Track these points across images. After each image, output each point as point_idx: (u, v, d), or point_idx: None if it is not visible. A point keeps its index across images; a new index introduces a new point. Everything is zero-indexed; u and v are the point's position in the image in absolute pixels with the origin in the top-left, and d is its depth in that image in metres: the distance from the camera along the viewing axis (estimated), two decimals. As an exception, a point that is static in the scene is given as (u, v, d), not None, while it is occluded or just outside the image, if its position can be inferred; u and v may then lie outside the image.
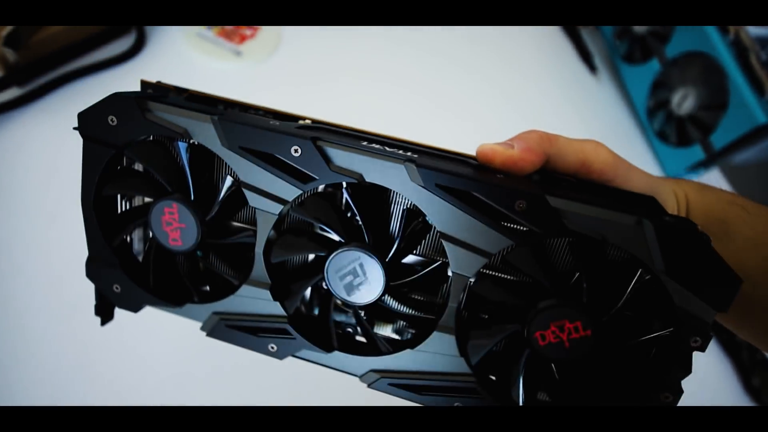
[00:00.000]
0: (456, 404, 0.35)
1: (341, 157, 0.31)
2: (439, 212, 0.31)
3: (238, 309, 0.36)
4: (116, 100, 0.33)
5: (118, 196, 0.39)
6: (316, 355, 0.37)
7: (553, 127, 0.35)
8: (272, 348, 0.37)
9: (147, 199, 0.39)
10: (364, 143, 0.32)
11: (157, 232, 0.35)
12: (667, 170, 0.92)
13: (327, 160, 0.31)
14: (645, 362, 0.32)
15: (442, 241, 0.31)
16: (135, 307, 0.39)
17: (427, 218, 0.31)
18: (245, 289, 0.36)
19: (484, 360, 0.34)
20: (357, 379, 0.36)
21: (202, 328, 0.38)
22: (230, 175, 0.35)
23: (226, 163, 0.35)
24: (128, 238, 0.40)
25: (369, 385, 0.36)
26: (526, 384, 0.33)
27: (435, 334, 0.33)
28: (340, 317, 0.39)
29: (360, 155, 0.31)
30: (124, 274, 0.38)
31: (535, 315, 0.31)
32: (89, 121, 0.34)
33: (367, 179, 0.31)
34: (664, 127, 0.95)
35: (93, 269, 0.38)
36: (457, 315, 0.33)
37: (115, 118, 0.33)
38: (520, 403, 0.34)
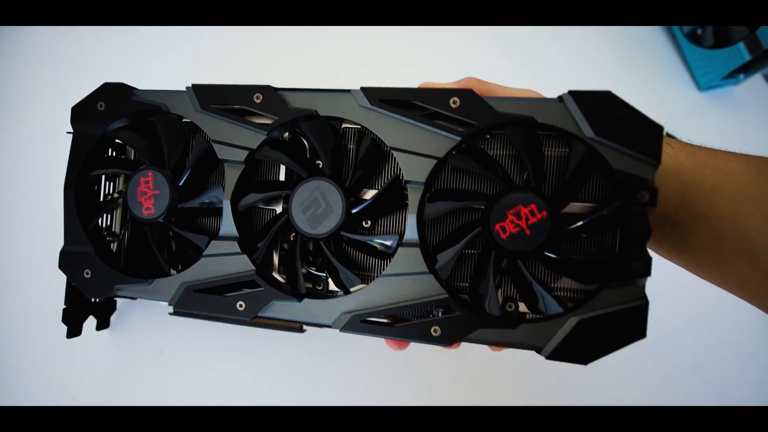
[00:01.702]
0: (433, 330, 0.32)
1: (297, 98, 0.36)
2: (386, 129, 0.34)
3: (206, 273, 0.36)
4: (107, 88, 0.39)
5: (97, 186, 0.42)
6: (285, 309, 0.35)
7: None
8: (240, 306, 0.36)
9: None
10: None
11: (132, 205, 0.38)
12: (700, 80, 0.70)
13: (285, 102, 0.36)
14: (605, 234, 0.32)
15: (393, 153, 0.34)
16: (104, 291, 0.38)
17: (375, 137, 0.34)
18: (213, 246, 0.36)
19: (454, 274, 0.34)
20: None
21: (170, 302, 0.37)
22: (198, 139, 0.38)
23: (197, 134, 0.39)
24: (103, 224, 0.42)
25: (342, 329, 0.34)
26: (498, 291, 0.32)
27: (400, 251, 0.33)
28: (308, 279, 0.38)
29: (313, 94, 0.35)
30: (96, 257, 0.38)
31: (491, 208, 0.32)
32: (80, 112, 0.39)
33: (321, 113, 0.35)
34: (696, 26, 0.72)
35: (65, 258, 0.39)
36: (419, 224, 0.33)
37: (103, 104, 0.38)
38: (497, 314, 0.32)
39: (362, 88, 0.34)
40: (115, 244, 0.42)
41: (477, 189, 0.35)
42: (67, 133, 0.42)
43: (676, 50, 0.70)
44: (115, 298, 0.51)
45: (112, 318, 0.51)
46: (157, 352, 0.51)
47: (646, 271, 0.30)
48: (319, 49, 0.61)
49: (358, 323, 0.34)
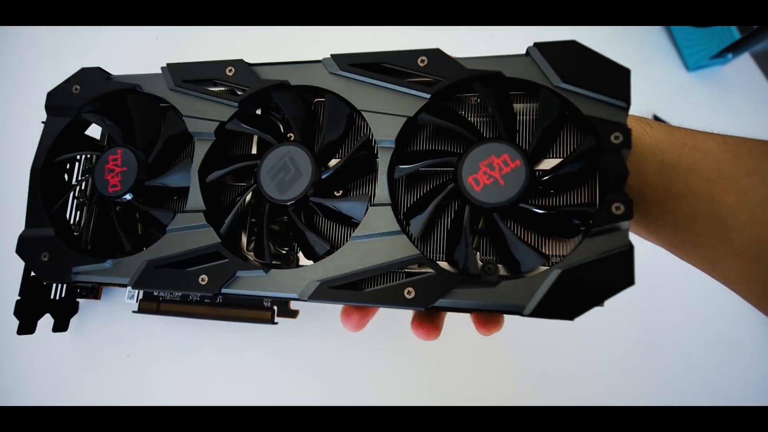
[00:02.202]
0: (406, 291, 0.30)
1: (268, 71, 0.36)
2: (356, 92, 0.34)
3: (169, 249, 0.35)
4: (84, 72, 0.39)
5: (66, 173, 0.41)
6: (251, 282, 0.33)
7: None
8: (203, 280, 0.33)
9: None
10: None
11: (98, 182, 0.37)
12: (688, 60, 0.69)
13: (257, 74, 0.36)
14: (582, 181, 0.31)
15: (363, 114, 0.33)
16: (62, 275, 0.36)
17: (346, 101, 0.34)
18: (178, 219, 0.35)
19: (426, 233, 0.32)
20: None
21: (130, 283, 0.35)
22: (170, 115, 0.38)
23: (168, 111, 0.39)
24: (70, 213, 0.41)
25: (309, 298, 0.31)
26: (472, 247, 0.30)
27: (371, 211, 0.32)
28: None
29: (285, 66, 0.36)
30: (56, 239, 0.36)
31: (463, 160, 0.31)
32: (56, 97, 0.39)
33: (293, 82, 0.35)
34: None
35: (24, 243, 0.37)
36: (390, 184, 0.32)
37: (78, 87, 0.39)
38: (475, 272, 0.30)
39: (332, 55, 0.35)
40: (79, 228, 0.40)
41: (450, 150, 0.34)
42: (42, 123, 0.42)
43: (664, 30, 0.69)
44: (77, 299, 0.48)
45: (74, 321, 0.48)
46: (123, 356, 0.47)
47: (628, 214, 0.28)
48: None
49: (326, 290, 0.31)
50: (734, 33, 0.64)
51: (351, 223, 0.35)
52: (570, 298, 0.28)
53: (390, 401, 0.46)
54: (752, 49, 0.67)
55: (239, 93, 0.36)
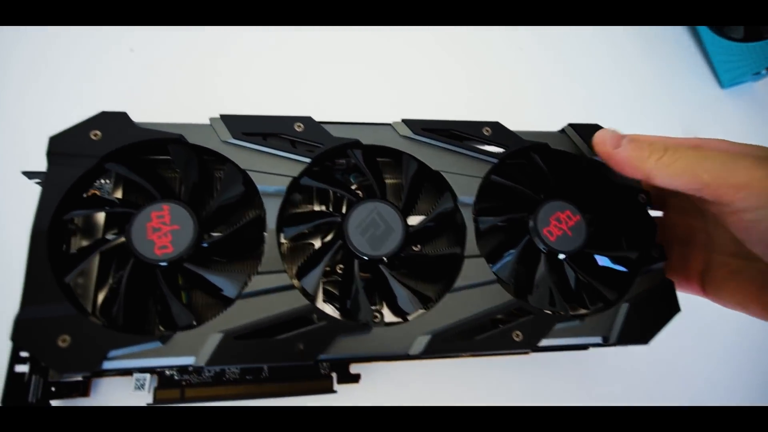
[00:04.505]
0: (515, 335, 0.32)
1: (336, 129, 0.36)
2: (429, 154, 0.36)
3: (246, 316, 0.30)
4: (105, 116, 0.33)
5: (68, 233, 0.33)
6: (352, 344, 0.31)
7: None
8: (300, 348, 0.30)
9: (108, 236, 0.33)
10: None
11: (139, 244, 0.31)
12: (722, 77, 0.66)
13: (327, 132, 0.36)
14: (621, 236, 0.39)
15: (441, 173, 0.36)
16: (91, 363, 0.28)
17: (419, 160, 0.36)
18: (255, 282, 0.31)
19: (511, 279, 0.35)
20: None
21: (199, 361, 0.29)
22: (229, 169, 0.34)
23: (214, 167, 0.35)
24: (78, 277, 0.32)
25: (423, 353, 0.31)
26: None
27: (466, 263, 0.34)
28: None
29: (351, 126, 0.37)
30: (81, 315, 0.29)
31: (536, 216, 0.36)
32: (64, 143, 0.32)
33: (364, 141, 0.36)
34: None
35: (25, 326, 0.28)
36: (477, 234, 0.35)
37: (99, 132, 0.32)
38: (565, 310, 0.34)
39: (404, 120, 0.37)
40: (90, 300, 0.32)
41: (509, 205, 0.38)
42: (24, 173, 0.34)
43: (697, 46, 0.68)
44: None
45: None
46: None
47: (662, 256, 0.36)
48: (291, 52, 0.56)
49: (440, 343, 0.32)
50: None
51: (434, 274, 0.36)
52: (640, 327, 0.34)
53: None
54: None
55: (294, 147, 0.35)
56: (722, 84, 0.67)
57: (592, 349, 0.38)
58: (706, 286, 0.37)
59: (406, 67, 0.57)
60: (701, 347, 0.51)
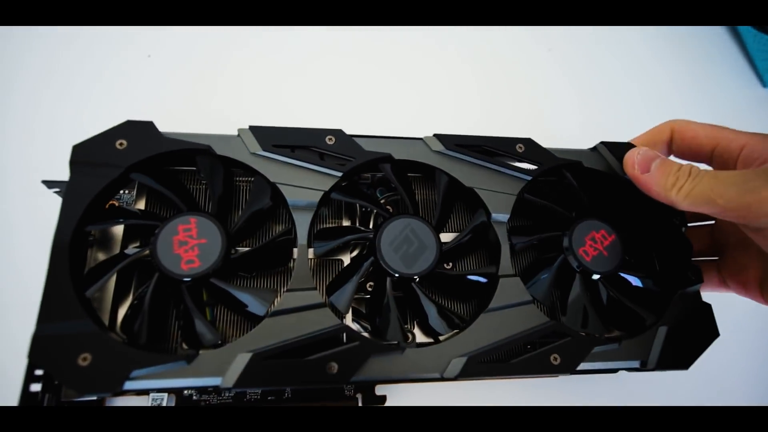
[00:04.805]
0: (552, 358, 0.31)
1: (366, 143, 0.35)
2: (461, 170, 0.36)
3: (274, 336, 0.29)
4: (131, 126, 0.32)
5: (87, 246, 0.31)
6: (385, 365, 0.30)
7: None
8: (332, 368, 0.29)
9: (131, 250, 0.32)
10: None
11: (164, 259, 0.29)
12: (765, 77, 0.65)
13: (359, 146, 0.35)
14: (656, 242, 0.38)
15: (475, 190, 0.35)
16: (112, 383, 0.26)
17: (452, 176, 0.35)
18: (286, 299, 0.30)
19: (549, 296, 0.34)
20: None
21: (226, 382, 0.28)
22: (258, 181, 0.33)
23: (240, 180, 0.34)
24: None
25: (457, 376, 0.30)
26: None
27: (502, 282, 0.33)
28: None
29: (382, 140, 0.36)
30: (103, 333, 0.27)
31: (572, 235, 0.35)
32: (88, 151, 0.31)
33: (395, 156, 0.35)
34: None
35: (43, 343, 0.26)
36: (511, 252, 0.34)
37: (125, 142, 0.31)
38: (602, 332, 0.33)
39: (436, 135, 0.36)
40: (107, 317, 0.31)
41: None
42: (44, 182, 0.33)
43: (738, 45, 0.66)
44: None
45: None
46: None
47: (699, 279, 0.35)
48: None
49: (476, 366, 0.30)
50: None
51: (466, 293, 0.35)
52: (680, 351, 0.33)
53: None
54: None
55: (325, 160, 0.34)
56: (765, 83, 0.65)
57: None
58: (765, 294, 0.36)
59: (432, 72, 0.56)
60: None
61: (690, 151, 0.37)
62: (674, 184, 0.32)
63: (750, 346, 0.50)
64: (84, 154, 0.31)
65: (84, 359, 0.26)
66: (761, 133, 0.34)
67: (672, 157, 0.38)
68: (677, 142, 0.38)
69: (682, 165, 0.33)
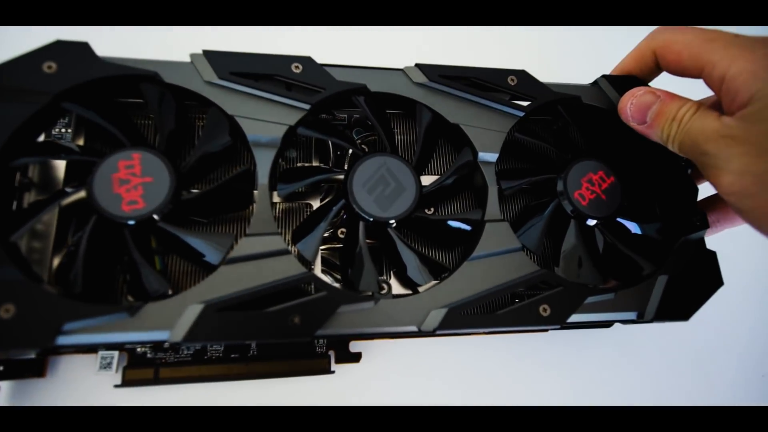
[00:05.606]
0: (542, 309, 0.28)
1: (339, 73, 0.31)
2: (446, 105, 0.32)
3: (230, 285, 0.26)
4: (61, 46, 0.27)
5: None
6: (355, 318, 0.27)
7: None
8: (296, 321, 0.25)
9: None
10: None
11: (102, 199, 0.25)
12: None
13: (330, 75, 0.31)
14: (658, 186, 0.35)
15: (460, 126, 0.31)
16: (45, 337, 0.23)
17: (435, 111, 0.31)
18: (244, 244, 0.26)
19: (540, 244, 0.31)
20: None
21: (174, 336, 0.24)
22: (213, 113, 0.29)
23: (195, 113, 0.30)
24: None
25: (437, 328, 0.27)
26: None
27: (488, 227, 0.30)
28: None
29: (357, 70, 0.31)
30: (30, 281, 0.24)
31: (566, 177, 0.31)
32: (12, 74, 0.26)
33: (372, 88, 0.31)
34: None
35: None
36: (500, 196, 0.30)
37: (53, 65, 0.27)
38: (597, 281, 0.30)
39: (418, 65, 0.32)
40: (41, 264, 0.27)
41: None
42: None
43: None
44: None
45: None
46: None
47: (705, 224, 0.32)
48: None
49: (457, 318, 0.27)
50: None
51: (450, 240, 0.31)
52: (680, 302, 0.31)
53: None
54: None
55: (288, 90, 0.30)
56: None
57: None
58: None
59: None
60: (710, 347, 0.48)
61: (678, 72, 0.32)
62: (669, 136, 0.29)
63: (755, 298, 0.47)
64: (7, 78, 0.26)
65: (6, 311, 0.23)
66: (747, 48, 0.27)
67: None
68: (663, 65, 0.33)
69: (680, 109, 0.29)
